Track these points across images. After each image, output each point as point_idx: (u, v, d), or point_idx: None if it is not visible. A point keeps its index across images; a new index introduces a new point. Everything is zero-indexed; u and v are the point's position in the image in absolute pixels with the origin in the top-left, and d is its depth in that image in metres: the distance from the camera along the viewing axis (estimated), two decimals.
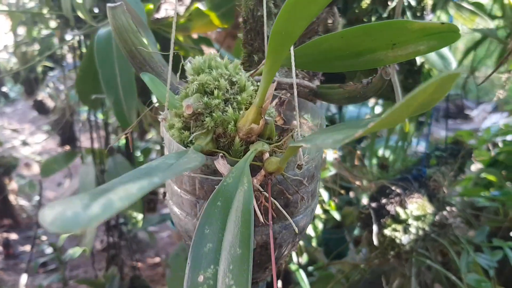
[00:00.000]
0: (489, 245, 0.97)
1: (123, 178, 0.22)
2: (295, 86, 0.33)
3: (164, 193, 1.24)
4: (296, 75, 0.51)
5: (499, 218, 1.24)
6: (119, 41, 0.40)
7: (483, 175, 1.55)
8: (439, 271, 0.87)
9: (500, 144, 1.53)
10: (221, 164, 0.33)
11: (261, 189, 0.34)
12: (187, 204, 0.39)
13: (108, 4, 0.39)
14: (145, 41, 0.43)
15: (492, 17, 0.79)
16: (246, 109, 0.37)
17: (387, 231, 0.82)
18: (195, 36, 1.05)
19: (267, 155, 0.35)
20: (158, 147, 1.77)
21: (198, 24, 0.83)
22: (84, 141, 1.70)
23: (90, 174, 0.95)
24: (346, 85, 0.45)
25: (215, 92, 0.37)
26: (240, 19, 0.53)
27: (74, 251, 0.62)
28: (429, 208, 0.84)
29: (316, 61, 0.40)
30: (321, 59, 0.40)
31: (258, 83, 0.40)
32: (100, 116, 1.27)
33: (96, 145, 1.13)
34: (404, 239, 0.82)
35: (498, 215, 1.33)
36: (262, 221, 0.35)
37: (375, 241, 0.82)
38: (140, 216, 1.12)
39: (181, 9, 0.91)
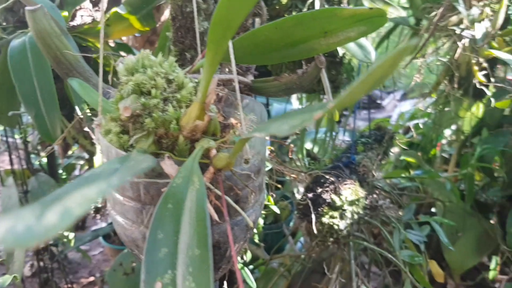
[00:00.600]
0: (416, 222, 1.03)
1: (70, 186, 0.21)
2: (236, 81, 0.33)
3: (96, 208, 1.18)
4: (229, 71, 0.50)
5: (420, 195, 1.32)
6: (42, 46, 0.37)
7: (402, 157, 1.64)
8: (375, 251, 0.91)
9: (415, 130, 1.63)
10: (168, 165, 0.32)
11: (212, 187, 0.33)
12: (132, 211, 0.37)
13: (27, 8, 0.36)
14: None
15: (402, 7, 0.84)
16: (187, 107, 0.36)
17: (325, 219, 0.84)
18: (112, 44, 1.01)
19: (214, 151, 0.34)
20: (81, 162, 1.69)
21: (118, 29, 0.80)
22: (1, 162, 1.57)
23: (13, 196, 0.88)
24: (281, 77, 0.45)
25: (153, 91, 0.35)
26: (162, 20, 0.51)
27: (3, 280, 0.57)
28: (361, 192, 0.88)
29: (253, 54, 0.40)
30: (257, 52, 0.40)
31: (196, 80, 0.39)
32: (17, 135, 1.19)
33: (15, 166, 1.04)
34: (341, 224, 0.84)
35: (419, 193, 1.42)
36: (216, 219, 0.34)
37: (315, 230, 0.84)
38: (71, 235, 1.06)
39: (98, 15, 0.88)
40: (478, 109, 1.34)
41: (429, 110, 1.66)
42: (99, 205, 1.15)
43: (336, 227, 0.85)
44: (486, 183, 1.34)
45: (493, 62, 0.73)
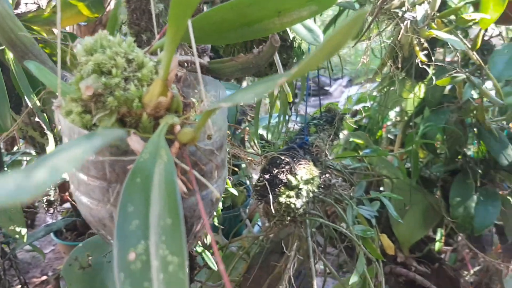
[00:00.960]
0: (367, 198, 1.07)
1: (53, 152, 0.21)
2: (196, 57, 0.34)
3: (48, 202, 1.15)
4: (185, 53, 0.51)
5: (370, 173, 1.37)
6: None
7: (351, 139, 1.70)
8: (329, 227, 0.94)
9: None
10: (134, 141, 0.33)
11: (178, 161, 0.34)
12: (98, 191, 0.37)
13: None
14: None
15: None
16: (148, 85, 0.37)
17: (282, 199, 0.86)
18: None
19: (178, 127, 0.35)
20: (28, 158, 1.63)
21: (65, 16, 0.78)
22: None
23: None
24: (238, 57, 0.47)
25: (113, 71, 0.36)
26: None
27: None
28: (316, 171, 0.91)
29: (210, 34, 0.41)
30: (214, 32, 0.41)
31: (155, 60, 0.39)
32: None
33: None
34: (298, 203, 0.87)
35: (368, 171, 1.48)
36: (183, 192, 0.35)
37: (273, 210, 0.86)
38: (24, 231, 1.02)
39: (44, 2, 0.85)
40: (420, 90, 1.41)
41: (374, 93, 1.73)
42: (52, 198, 1.12)
43: (293, 205, 0.87)
44: (430, 159, 1.42)
45: (433, 43, 0.77)
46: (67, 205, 1.67)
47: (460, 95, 0.85)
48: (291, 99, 0.66)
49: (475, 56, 0.77)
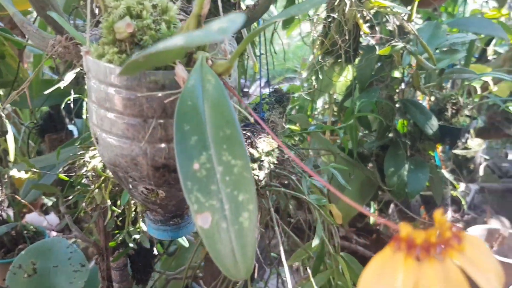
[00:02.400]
0: (317, 170, 1.15)
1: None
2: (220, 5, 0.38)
3: None
4: None
5: (314, 148, 1.47)
6: None
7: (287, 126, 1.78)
8: (288, 194, 1.01)
9: None
10: (180, 69, 0.36)
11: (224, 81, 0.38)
12: (133, 128, 0.40)
13: None
14: None
15: None
16: (175, 27, 0.40)
17: None
18: None
19: (210, 62, 0.38)
20: None
21: None
22: None
23: None
24: (235, 12, 0.51)
25: (144, 13, 0.39)
26: None
27: None
28: (274, 143, 0.96)
29: None
30: None
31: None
32: None
33: None
34: (260, 175, 0.92)
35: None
36: None
37: None
38: None
39: None
40: (349, 72, 1.52)
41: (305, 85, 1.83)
42: None
43: (256, 177, 0.92)
44: (363, 136, 1.54)
45: (375, 17, 0.87)
46: None
47: (398, 63, 0.96)
48: (256, 69, 0.71)
49: (410, 26, 0.88)
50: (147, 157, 0.40)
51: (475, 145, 1.99)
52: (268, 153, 0.94)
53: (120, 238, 0.89)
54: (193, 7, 0.37)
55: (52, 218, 1.71)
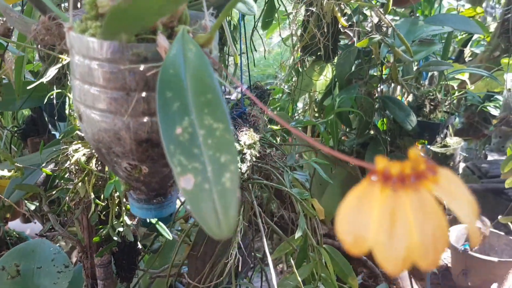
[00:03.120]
0: (298, 165, 1.17)
1: None
2: None
3: None
4: None
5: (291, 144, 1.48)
6: None
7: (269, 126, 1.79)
8: (271, 187, 1.02)
9: None
10: (162, 39, 0.37)
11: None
12: (116, 102, 0.40)
13: None
14: None
15: None
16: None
17: None
18: None
19: (191, 34, 0.40)
20: None
21: None
22: None
23: None
24: None
25: None
26: None
27: None
28: (256, 136, 0.98)
29: None
30: None
31: None
32: None
33: None
34: (243, 167, 0.93)
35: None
36: None
37: None
38: None
39: None
40: (328, 72, 1.55)
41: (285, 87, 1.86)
42: None
43: (238, 170, 0.93)
44: (346, 133, 1.56)
45: (353, 13, 0.89)
46: None
47: (376, 55, 0.98)
48: (237, 61, 0.72)
49: (387, 19, 0.90)
50: (130, 131, 0.41)
51: (454, 143, 2.03)
52: (250, 146, 0.95)
53: (104, 232, 0.89)
54: None
55: (35, 227, 1.69)
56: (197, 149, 0.33)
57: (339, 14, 0.85)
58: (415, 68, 1.17)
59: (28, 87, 0.81)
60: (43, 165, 0.87)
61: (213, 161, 0.33)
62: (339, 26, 0.90)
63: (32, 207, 1.85)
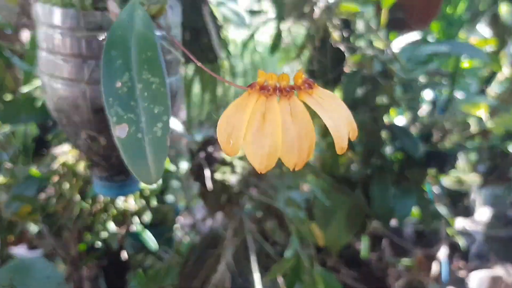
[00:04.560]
0: (296, 185, 1.16)
1: None
2: None
3: None
4: None
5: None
6: None
7: None
8: (263, 203, 1.01)
9: None
10: (113, 5, 0.39)
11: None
12: (73, 70, 0.42)
13: None
14: None
15: None
16: None
17: (218, 175, 0.92)
18: None
19: (146, 7, 0.41)
20: None
21: None
22: None
23: None
24: None
25: None
26: None
27: None
28: None
29: None
30: None
31: None
32: None
33: None
34: (233, 178, 0.93)
35: None
36: None
37: (208, 185, 0.91)
38: None
39: None
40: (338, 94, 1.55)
41: None
42: None
43: (227, 183, 0.93)
44: (350, 160, 1.55)
45: (346, 23, 0.90)
46: None
47: (370, 71, 0.99)
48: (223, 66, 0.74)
49: (380, 35, 0.92)
50: (86, 99, 0.43)
51: (469, 179, 1.98)
52: (241, 158, 0.96)
53: (90, 239, 0.89)
54: None
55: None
56: (134, 102, 0.34)
57: (331, 29, 0.87)
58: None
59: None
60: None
61: (147, 112, 0.34)
62: (340, 46, 0.92)
63: (36, 229, 1.87)
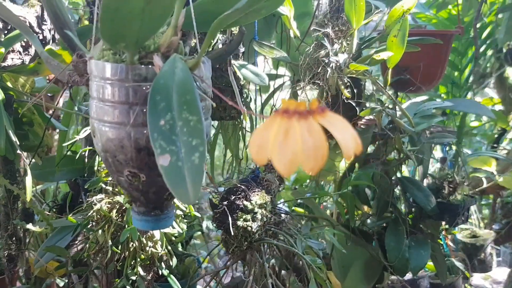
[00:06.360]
0: (314, 233, 1.20)
1: None
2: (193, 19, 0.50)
3: None
4: None
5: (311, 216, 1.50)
6: (45, 3, 0.51)
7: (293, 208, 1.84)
8: (281, 249, 1.05)
9: None
10: (157, 59, 0.47)
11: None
12: (121, 115, 0.50)
13: None
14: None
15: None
16: (158, 38, 0.52)
17: (240, 222, 0.97)
18: None
19: (183, 61, 0.49)
20: None
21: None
22: None
23: None
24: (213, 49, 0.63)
25: None
26: None
27: None
28: (268, 197, 1.04)
29: (197, 22, 0.57)
30: (200, 21, 0.58)
31: None
32: None
33: None
34: (254, 225, 0.98)
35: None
36: None
37: (232, 232, 0.96)
38: None
39: (27, 59, 0.99)
40: None
41: None
42: None
43: (249, 228, 0.98)
44: (365, 214, 1.59)
45: (356, 84, 0.98)
46: None
47: (379, 125, 1.06)
48: (246, 119, 0.81)
49: (386, 92, 0.99)
50: (131, 139, 0.50)
51: (484, 234, 1.98)
52: (261, 206, 1.01)
53: (120, 285, 0.93)
54: (172, 20, 0.49)
55: None
56: (175, 136, 0.42)
57: (342, 87, 0.95)
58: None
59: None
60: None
61: (186, 144, 0.41)
62: (351, 102, 1.00)
63: (62, 283, 1.91)
